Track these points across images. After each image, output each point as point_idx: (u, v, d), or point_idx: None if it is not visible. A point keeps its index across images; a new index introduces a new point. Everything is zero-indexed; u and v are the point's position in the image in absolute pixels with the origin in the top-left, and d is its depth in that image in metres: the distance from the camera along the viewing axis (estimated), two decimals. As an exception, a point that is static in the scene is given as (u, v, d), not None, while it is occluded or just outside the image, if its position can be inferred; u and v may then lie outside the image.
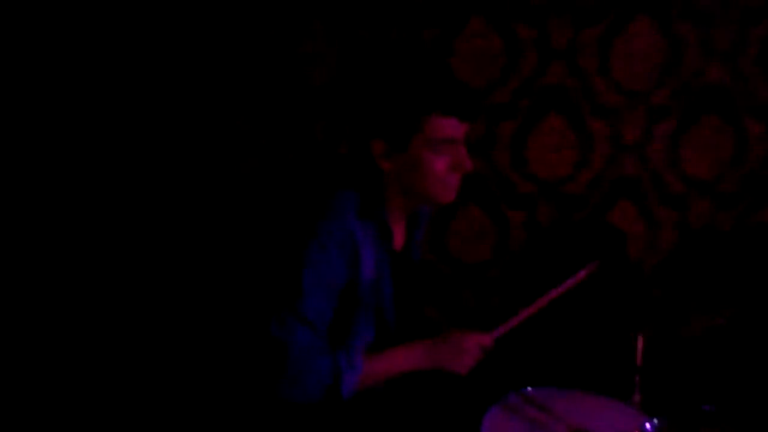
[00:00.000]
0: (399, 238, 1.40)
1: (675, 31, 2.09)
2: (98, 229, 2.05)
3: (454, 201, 1.33)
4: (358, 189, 1.29)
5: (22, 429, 1.95)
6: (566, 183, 2.17)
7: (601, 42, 2.09)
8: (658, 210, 2.20)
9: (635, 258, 2.18)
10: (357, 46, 2.04)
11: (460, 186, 1.31)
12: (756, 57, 2.12)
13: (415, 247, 1.49)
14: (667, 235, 2.21)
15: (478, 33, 2.06)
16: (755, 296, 1.91)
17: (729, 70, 2.12)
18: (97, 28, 1.98)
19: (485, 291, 2.21)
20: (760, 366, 1.80)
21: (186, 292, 2.09)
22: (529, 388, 1.37)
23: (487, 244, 2.19)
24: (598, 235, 2.18)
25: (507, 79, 2.10)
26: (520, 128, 2.13)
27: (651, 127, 2.15)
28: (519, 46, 2.08)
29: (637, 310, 1.73)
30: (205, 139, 2.08)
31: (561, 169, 2.17)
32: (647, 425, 1.26)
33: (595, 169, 2.16)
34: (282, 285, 1.21)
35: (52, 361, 2.03)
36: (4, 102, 1.95)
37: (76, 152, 2.02)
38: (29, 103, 1.97)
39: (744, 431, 1.33)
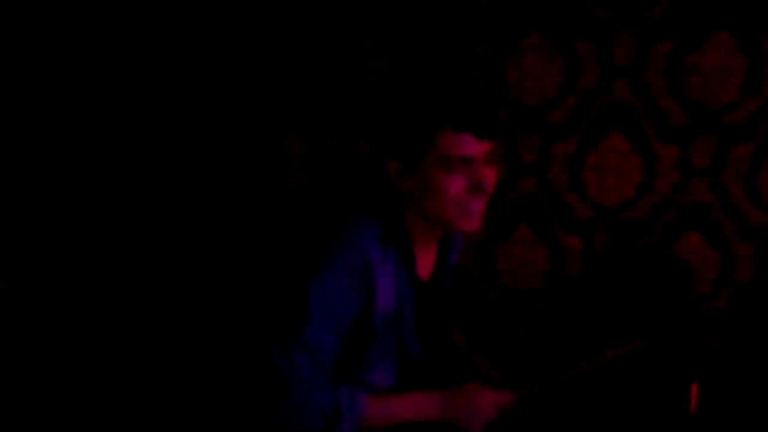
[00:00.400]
0: (426, 266, 1.31)
1: (762, 47, 1.91)
2: (106, 243, 2.04)
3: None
4: (377, 213, 1.21)
5: (22, 429, 1.95)
6: (627, 208, 2.03)
7: (671, 58, 1.94)
8: (734, 243, 2.01)
9: (701, 296, 2.00)
10: (408, 63, 2.00)
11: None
12: None
13: (447, 274, 1.40)
14: (743, 272, 2.01)
15: (535, 49, 1.97)
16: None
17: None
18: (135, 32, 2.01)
19: (535, 320, 2.09)
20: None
21: (196, 311, 2.06)
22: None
23: (539, 271, 2.07)
24: (661, 268, 2.01)
25: (564, 97, 1.99)
26: (578, 148, 2.01)
27: (726, 149, 1.97)
28: (578, 62, 1.97)
29: (694, 356, 1.57)
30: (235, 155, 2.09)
31: (622, 193, 2.02)
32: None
33: (660, 194, 2.00)
34: (287, 312, 1.15)
35: (52, 361, 2.01)
36: (4, 102, 1.94)
37: (84, 153, 2.02)
38: (29, 102, 1.96)
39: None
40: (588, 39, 1.96)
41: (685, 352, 1.63)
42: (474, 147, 1.13)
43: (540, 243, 2.06)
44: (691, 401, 1.39)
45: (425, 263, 1.30)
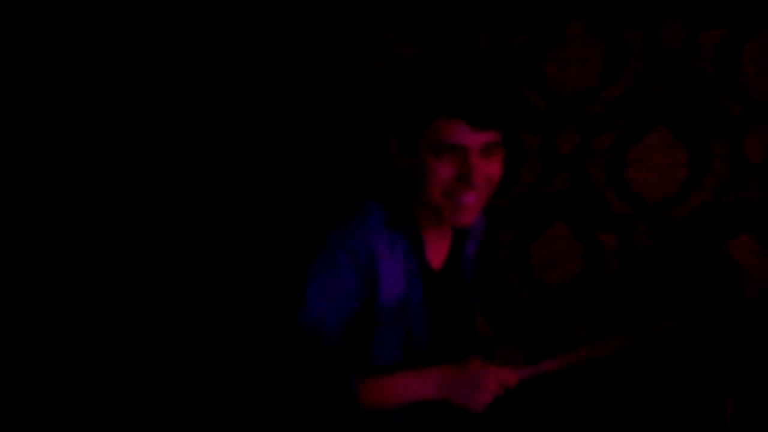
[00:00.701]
0: (438, 254, 1.28)
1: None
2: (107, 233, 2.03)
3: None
4: (383, 198, 1.20)
5: (21, 429, 1.95)
6: (672, 206, 1.91)
7: (724, 47, 1.81)
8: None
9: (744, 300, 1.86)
10: (439, 51, 1.95)
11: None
12: None
13: (465, 267, 1.36)
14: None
15: (574, 38, 1.88)
16: None
17: None
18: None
19: (569, 319, 2.01)
20: None
21: (202, 293, 2.05)
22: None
23: (574, 269, 1.98)
24: (708, 268, 1.89)
25: (605, 87, 1.88)
26: (618, 141, 1.91)
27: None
28: (622, 51, 1.86)
29: (729, 369, 1.46)
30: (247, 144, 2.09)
31: (666, 190, 1.90)
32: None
33: (708, 191, 1.88)
34: (287, 294, 1.15)
35: (51, 361, 2.00)
36: (3, 102, 1.93)
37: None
38: (29, 102, 1.95)
39: None
40: (634, 26, 1.85)
41: (722, 361, 1.52)
42: (466, 136, 1.09)
43: (576, 240, 1.97)
44: (726, 420, 1.29)
45: (437, 251, 1.28)
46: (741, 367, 1.53)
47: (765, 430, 1.50)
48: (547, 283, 2.01)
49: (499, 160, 1.15)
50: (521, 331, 2.04)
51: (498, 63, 1.90)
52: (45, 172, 1.96)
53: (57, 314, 2.00)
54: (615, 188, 1.93)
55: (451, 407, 1.15)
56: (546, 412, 1.35)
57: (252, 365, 1.20)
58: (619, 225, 1.94)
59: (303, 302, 1.12)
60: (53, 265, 1.99)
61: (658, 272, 1.93)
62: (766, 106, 1.81)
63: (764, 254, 1.86)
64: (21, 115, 1.93)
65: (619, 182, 1.92)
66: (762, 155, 1.84)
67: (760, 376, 1.61)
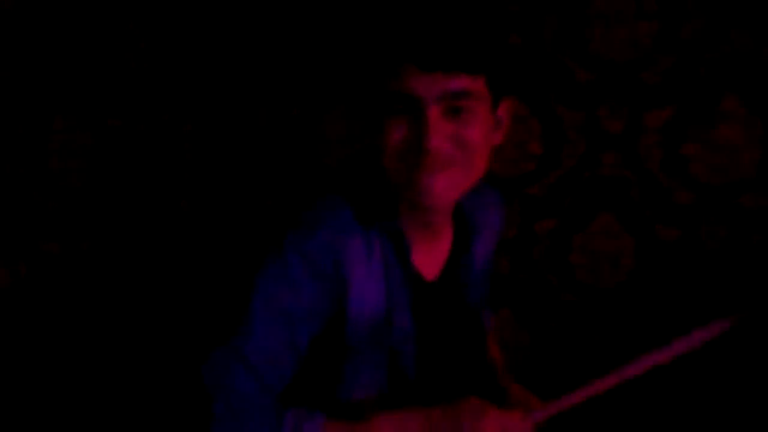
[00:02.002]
0: (431, 261, 0.99)
1: None
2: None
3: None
4: (355, 190, 0.92)
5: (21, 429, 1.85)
6: (742, 191, 1.59)
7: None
8: None
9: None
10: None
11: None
12: None
13: (472, 276, 1.07)
14: None
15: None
16: None
17: None
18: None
19: (617, 325, 1.70)
20: None
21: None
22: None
23: (624, 267, 1.68)
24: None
25: (660, 55, 1.57)
26: (676, 116, 1.59)
27: None
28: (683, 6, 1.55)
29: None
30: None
31: (735, 173, 1.58)
32: None
33: (790, 173, 1.55)
34: (230, 317, 0.89)
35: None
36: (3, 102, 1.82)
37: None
38: (29, 101, 1.81)
39: None
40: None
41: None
42: (418, 81, 0.80)
43: (626, 233, 1.67)
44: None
45: (431, 256, 0.98)
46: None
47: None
48: (592, 285, 1.71)
49: (477, 119, 0.84)
50: (560, 341, 1.75)
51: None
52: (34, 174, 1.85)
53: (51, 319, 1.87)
54: (673, 171, 1.62)
55: None
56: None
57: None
58: (681, 216, 1.63)
59: (250, 329, 0.86)
60: (48, 268, 1.86)
61: (726, 272, 1.61)
62: None
63: None
64: (9, 114, 1.82)
65: (678, 164, 1.61)
66: None
67: None
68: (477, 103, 0.84)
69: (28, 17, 1.79)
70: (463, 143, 0.84)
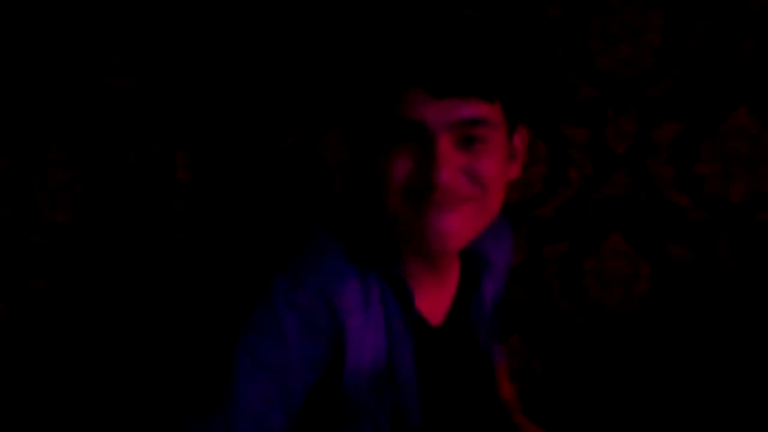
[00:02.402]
0: (437, 304, 0.91)
1: None
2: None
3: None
4: (351, 228, 0.84)
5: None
6: (763, 208, 1.51)
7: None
8: None
9: None
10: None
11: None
12: None
13: (481, 317, 0.98)
14: None
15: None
16: None
17: None
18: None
19: (633, 351, 1.63)
20: None
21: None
22: None
23: (637, 291, 1.61)
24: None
25: (668, 67, 1.51)
26: (687, 130, 1.53)
27: None
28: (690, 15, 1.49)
29: None
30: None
31: (754, 189, 1.51)
32: None
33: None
34: (213, 376, 0.79)
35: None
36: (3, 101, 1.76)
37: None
38: (29, 101, 1.75)
39: None
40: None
41: None
42: (426, 107, 0.72)
43: (638, 254, 1.59)
44: None
45: (436, 298, 0.91)
46: None
47: None
48: (605, 309, 1.64)
49: (492, 150, 0.76)
50: (573, 368, 1.67)
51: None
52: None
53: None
54: (685, 189, 1.55)
55: None
56: None
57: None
58: (695, 235, 1.55)
59: (233, 390, 0.76)
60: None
61: (745, 292, 1.53)
62: None
63: None
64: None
65: (691, 181, 1.54)
66: None
67: None
68: (492, 132, 0.75)
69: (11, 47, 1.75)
70: (476, 177, 0.75)
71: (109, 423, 1.80)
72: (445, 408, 0.93)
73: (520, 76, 0.80)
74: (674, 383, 1.58)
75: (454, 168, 0.74)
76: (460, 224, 0.77)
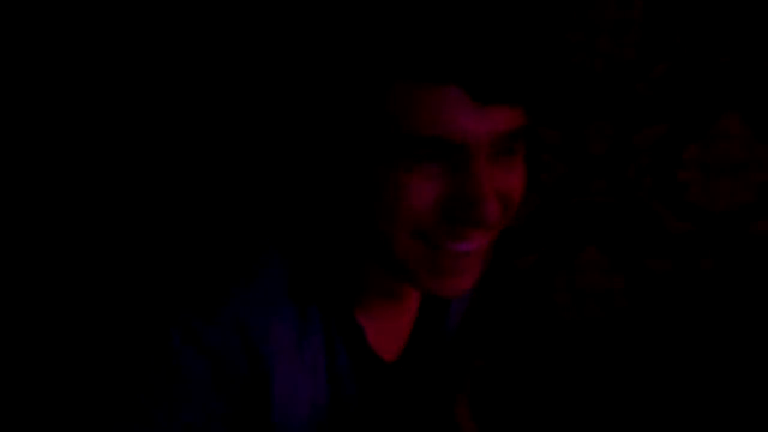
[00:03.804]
0: (392, 337, 0.75)
1: None
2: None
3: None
4: (290, 244, 0.64)
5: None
6: (750, 219, 1.41)
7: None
8: None
9: None
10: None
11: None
12: None
13: (441, 348, 0.82)
14: None
15: None
16: None
17: None
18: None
19: (611, 370, 1.51)
20: None
21: None
22: None
23: (615, 306, 1.48)
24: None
25: (651, 63, 1.39)
26: (670, 134, 1.41)
27: None
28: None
29: None
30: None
31: (739, 198, 1.41)
32: None
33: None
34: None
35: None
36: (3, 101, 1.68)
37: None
38: (28, 102, 1.67)
39: None
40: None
41: None
42: (468, 119, 0.52)
43: (614, 268, 1.47)
44: None
45: (392, 331, 0.75)
46: None
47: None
48: (579, 325, 1.51)
49: (520, 165, 0.59)
50: (545, 389, 1.54)
51: None
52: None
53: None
54: (667, 197, 1.43)
55: None
56: None
57: None
58: (677, 247, 1.44)
59: None
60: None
61: (730, 309, 1.43)
62: None
63: None
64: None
65: (673, 189, 1.42)
66: None
67: None
68: (521, 145, 0.59)
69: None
70: (508, 200, 0.58)
71: None
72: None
73: (555, 76, 0.63)
74: (656, 402, 1.47)
75: (494, 192, 0.55)
76: (479, 264, 0.60)
